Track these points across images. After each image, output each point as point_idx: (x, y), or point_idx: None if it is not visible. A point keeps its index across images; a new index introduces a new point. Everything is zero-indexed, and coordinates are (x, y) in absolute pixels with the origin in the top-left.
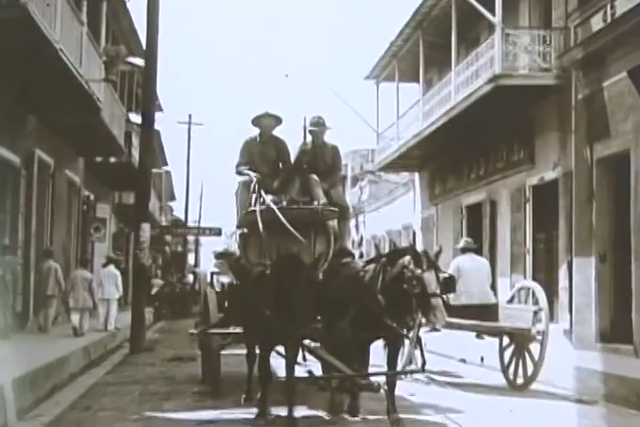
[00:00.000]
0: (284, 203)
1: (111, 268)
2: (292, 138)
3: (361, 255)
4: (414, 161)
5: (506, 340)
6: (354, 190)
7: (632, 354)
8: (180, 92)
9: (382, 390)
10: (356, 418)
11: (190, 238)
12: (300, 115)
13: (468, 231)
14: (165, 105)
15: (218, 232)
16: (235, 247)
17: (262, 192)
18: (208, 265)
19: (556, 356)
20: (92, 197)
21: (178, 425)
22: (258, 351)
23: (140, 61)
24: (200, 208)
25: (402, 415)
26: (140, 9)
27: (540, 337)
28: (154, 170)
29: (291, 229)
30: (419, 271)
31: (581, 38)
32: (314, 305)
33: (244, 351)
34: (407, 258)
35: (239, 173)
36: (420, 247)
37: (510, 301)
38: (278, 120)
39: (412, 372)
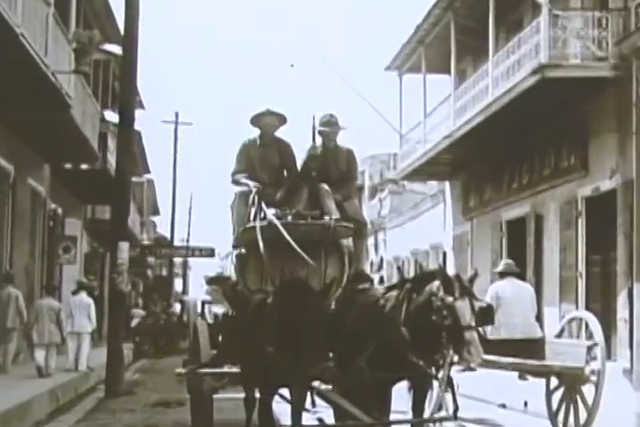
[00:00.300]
0: (290, 218)
1: (83, 295)
2: (299, 140)
3: (381, 280)
4: (444, 168)
5: (554, 381)
6: (372, 203)
7: None
8: (166, 86)
9: None
10: None
11: (177, 260)
12: (308, 112)
13: (508, 252)
14: (148, 101)
15: (210, 253)
16: (230, 271)
17: (263, 205)
18: (198, 292)
19: (613, 400)
20: (59, 210)
21: None
22: (258, 395)
23: (117, 49)
24: (189, 224)
25: None
26: None
27: (594, 378)
28: (133, 178)
29: (297, 248)
30: (450, 299)
31: None
32: (325, 340)
33: (242, 395)
34: (436, 284)
35: (235, 182)
36: (451, 271)
37: (559, 334)
38: (282, 119)
39: (442, 419)
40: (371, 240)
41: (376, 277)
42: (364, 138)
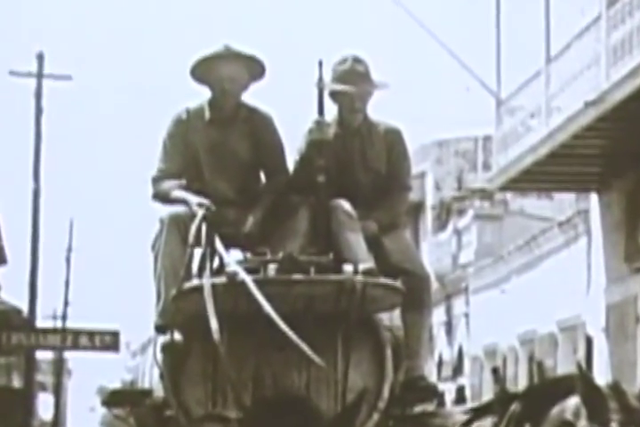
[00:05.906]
0: (272, 268)
1: None
2: (293, 111)
3: (459, 395)
4: (588, 167)
5: None
6: (441, 238)
7: None
8: (20, 8)
9: None
10: None
11: (44, 357)
12: (308, 54)
13: None
14: None
15: (110, 343)
16: (151, 379)
17: (218, 243)
18: (86, 423)
19: None
20: None
21: None
22: None
23: None
24: (67, 283)
25: None
26: None
27: None
28: None
29: (287, 331)
30: None
31: None
32: None
33: None
34: (572, 403)
35: (161, 196)
36: (602, 376)
37: None
38: (256, 67)
39: None
40: (439, 314)
41: (449, 389)
42: (424, 105)
